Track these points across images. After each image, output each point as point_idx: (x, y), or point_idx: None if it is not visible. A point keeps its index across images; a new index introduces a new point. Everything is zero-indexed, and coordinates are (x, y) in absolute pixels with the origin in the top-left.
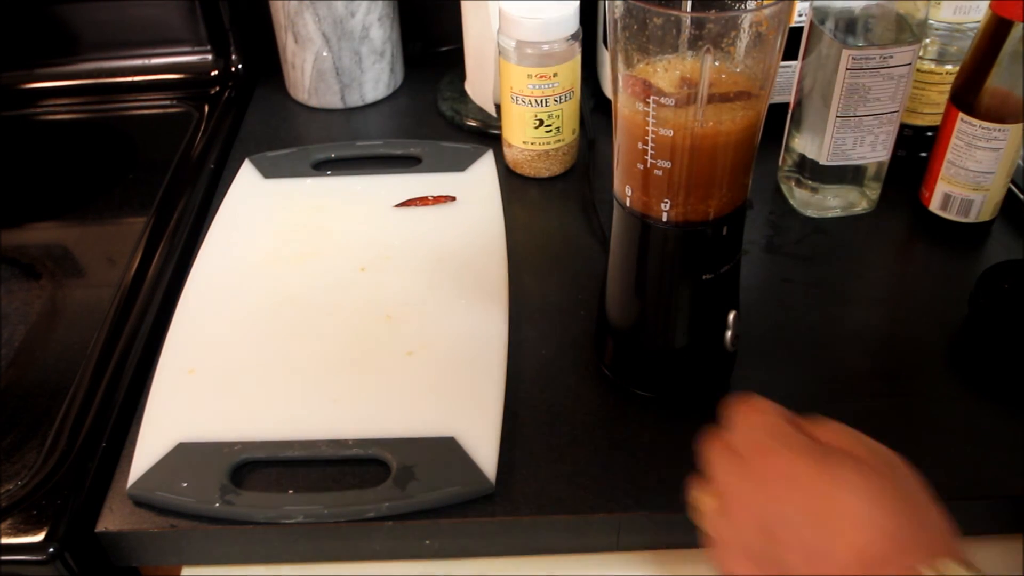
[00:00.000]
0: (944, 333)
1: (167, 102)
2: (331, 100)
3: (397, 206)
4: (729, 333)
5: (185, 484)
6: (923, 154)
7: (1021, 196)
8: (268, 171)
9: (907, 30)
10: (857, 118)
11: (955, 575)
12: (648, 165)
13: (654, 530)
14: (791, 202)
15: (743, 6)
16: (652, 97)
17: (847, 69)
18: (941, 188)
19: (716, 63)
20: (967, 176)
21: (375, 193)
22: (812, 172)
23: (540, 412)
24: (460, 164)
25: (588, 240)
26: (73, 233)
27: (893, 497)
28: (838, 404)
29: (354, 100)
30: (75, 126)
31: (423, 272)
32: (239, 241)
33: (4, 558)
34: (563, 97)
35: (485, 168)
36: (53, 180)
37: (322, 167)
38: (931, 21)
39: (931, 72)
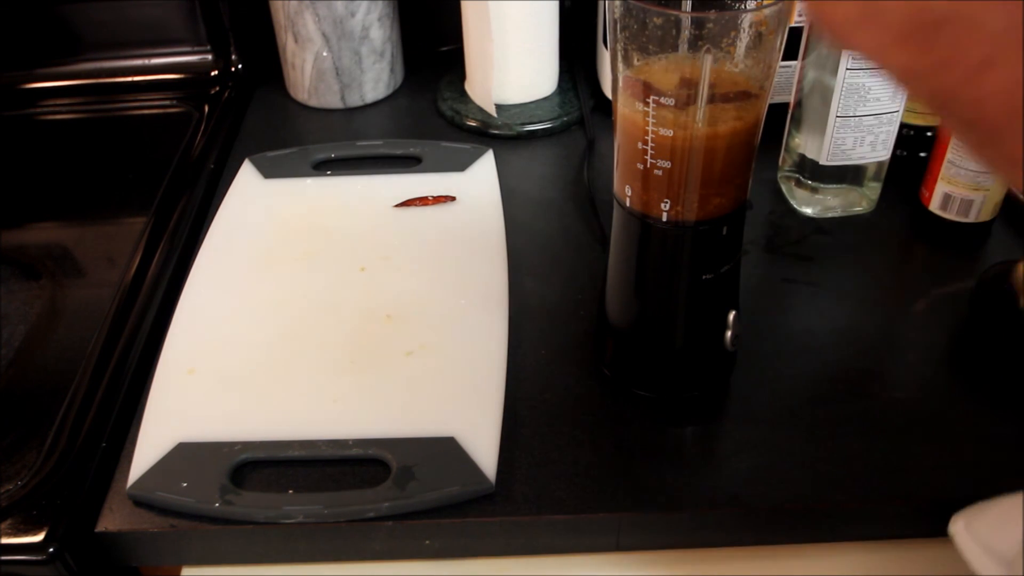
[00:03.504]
0: (944, 333)
1: (167, 102)
2: (331, 100)
3: (397, 206)
4: (729, 333)
5: (185, 484)
6: (923, 154)
7: (1021, 196)
8: (268, 171)
9: None
10: (857, 118)
11: None
12: (648, 165)
13: (654, 530)
14: (791, 202)
15: (743, 6)
16: (652, 97)
17: (847, 69)
18: (941, 188)
19: (716, 63)
20: (967, 176)
21: (375, 193)
22: (812, 172)
23: (540, 412)
24: (460, 164)
25: (588, 240)
26: (73, 233)
27: None
28: (838, 404)
29: (354, 100)
30: (75, 126)
31: (423, 272)
32: (239, 241)
33: (4, 558)
34: None
35: (485, 168)
36: (53, 180)
37: (322, 167)
38: None
39: None
